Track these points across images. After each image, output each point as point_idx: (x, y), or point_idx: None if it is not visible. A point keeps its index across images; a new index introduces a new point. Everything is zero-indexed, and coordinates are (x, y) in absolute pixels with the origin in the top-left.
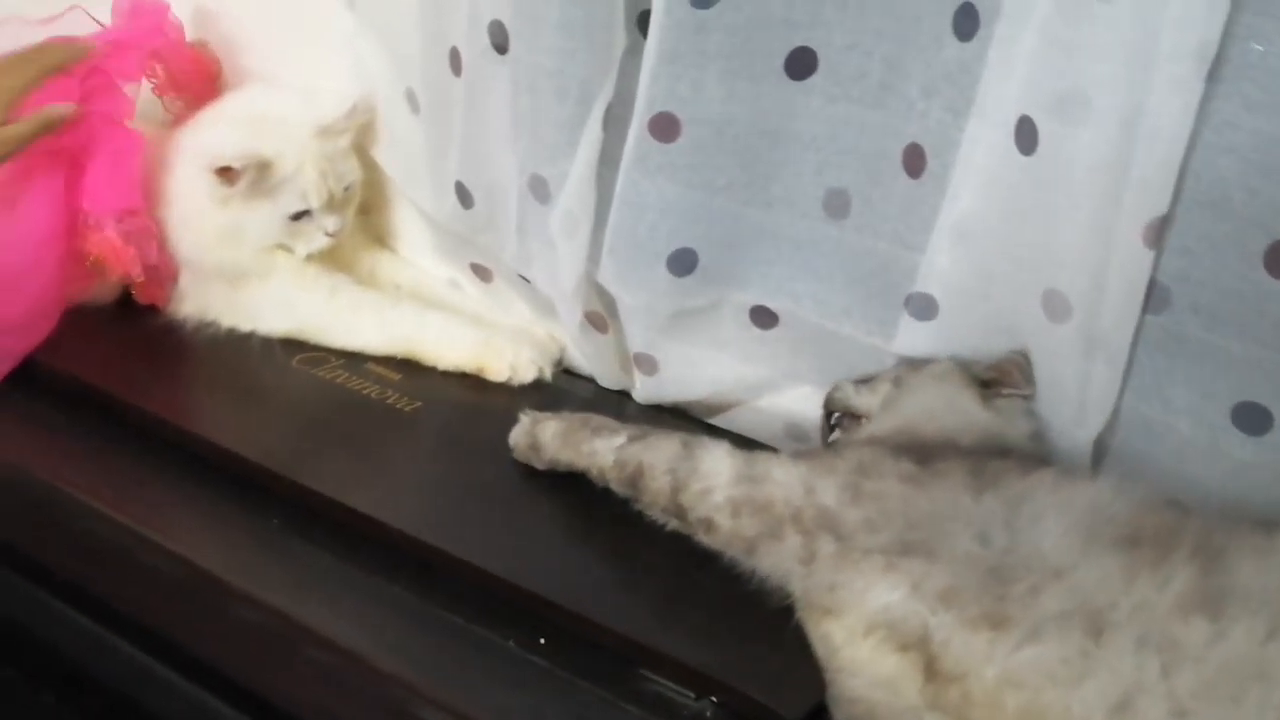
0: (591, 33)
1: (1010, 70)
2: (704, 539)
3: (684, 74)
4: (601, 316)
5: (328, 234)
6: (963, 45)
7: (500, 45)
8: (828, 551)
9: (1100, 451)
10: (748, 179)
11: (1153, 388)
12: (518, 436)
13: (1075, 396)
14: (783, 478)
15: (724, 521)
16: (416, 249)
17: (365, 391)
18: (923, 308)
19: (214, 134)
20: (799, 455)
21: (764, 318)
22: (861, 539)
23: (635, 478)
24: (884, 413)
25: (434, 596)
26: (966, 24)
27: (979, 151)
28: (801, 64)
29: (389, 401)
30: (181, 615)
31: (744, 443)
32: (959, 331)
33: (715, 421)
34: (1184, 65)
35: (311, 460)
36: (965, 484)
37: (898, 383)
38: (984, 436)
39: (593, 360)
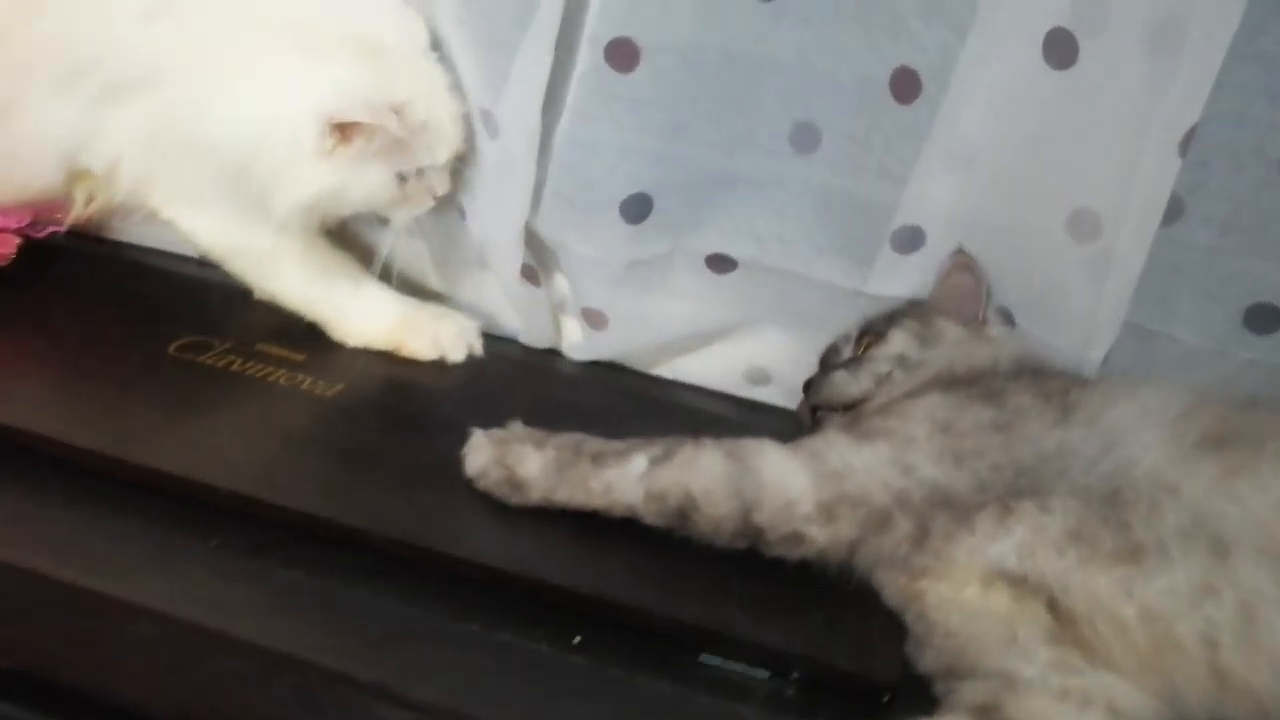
0: None
1: None
2: (787, 552)
3: None
4: (534, 270)
5: (436, 197)
6: None
7: None
8: (942, 525)
9: (1103, 364)
10: (711, 115)
11: (1156, 299)
12: (483, 465)
13: (1087, 318)
14: (867, 463)
15: (817, 531)
16: None
17: (273, 378)
18: (907, 240)
19: (316, 70)
20: (852, 432)
21: (721, 264)
22: (975, 500)
23: (685, 510)
24: (908, 373)
25: (437, 605)
26: None
27: (992, 70)
28: None
29: (304, 388)
30: (131, 670)
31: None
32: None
33: (661, 371)
34: None
35: (244, 466)
36: (1046, 414)
37: (902, 362)
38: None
39: (525, 317)
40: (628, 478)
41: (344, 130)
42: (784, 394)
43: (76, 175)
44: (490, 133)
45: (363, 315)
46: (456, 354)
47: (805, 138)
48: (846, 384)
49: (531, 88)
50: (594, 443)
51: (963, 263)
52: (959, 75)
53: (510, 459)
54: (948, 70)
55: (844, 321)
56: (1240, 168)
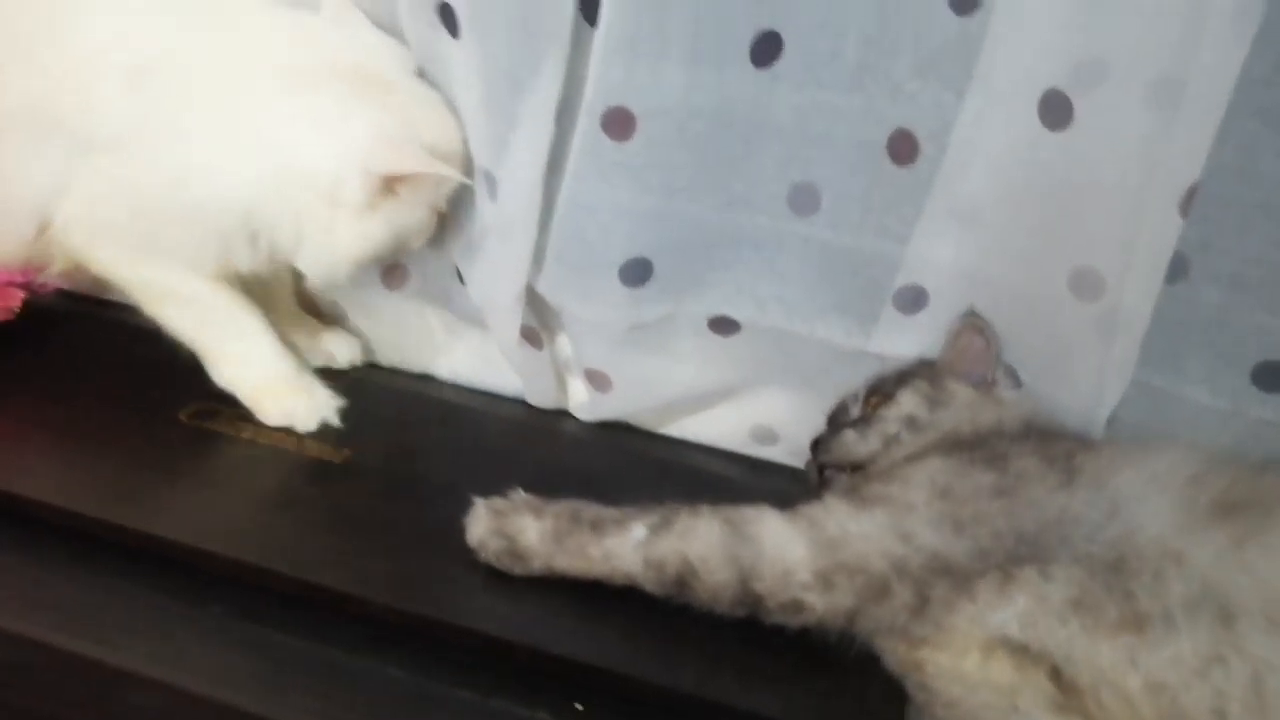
0: (539, 15)
1: (1024, 42)
2: (786, 620)
3: (641, 60)
4: (535, 331)
5: (441, 212)
6: (962, 19)
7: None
8: (941, 593)
9: (1111, 424)
10: (707, 178)
11: (1166, 357)
12: (483, 536)
13: (1094, 375)
14: (865, 531)
15: (815, 600)
16: None
17: (282, 445)
18: (911, 300)
19: (340, 116)
20: (851, 499)
21: (724, 326)
22: (976, 567)
23: (684, 578)
24: (916, 434)
25: (439, 672)
26: None
27: (990, 130)
28: (767, 49)
29: (312, 454)
30: None
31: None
32: (948, 321)
33: (668, 430)
34: (1229, 27)
35: (249, 533)
36: (1049, 479)
37: (911, 423)
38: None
39: (527, 378)
40: (627, 546)
41: (389, 182)
42: (791, 453)
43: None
44: (491, 194)
45: (237, 363)
46: (307, 425)
47: (804, 199)
48: (855, 444)
49: (534, 154)
50: (592, 510)
51: (974, 324)
52: (957, 135)
53: (510, 529)
54: (946, 131)
55: (849, 380)
56: (1246, 225)
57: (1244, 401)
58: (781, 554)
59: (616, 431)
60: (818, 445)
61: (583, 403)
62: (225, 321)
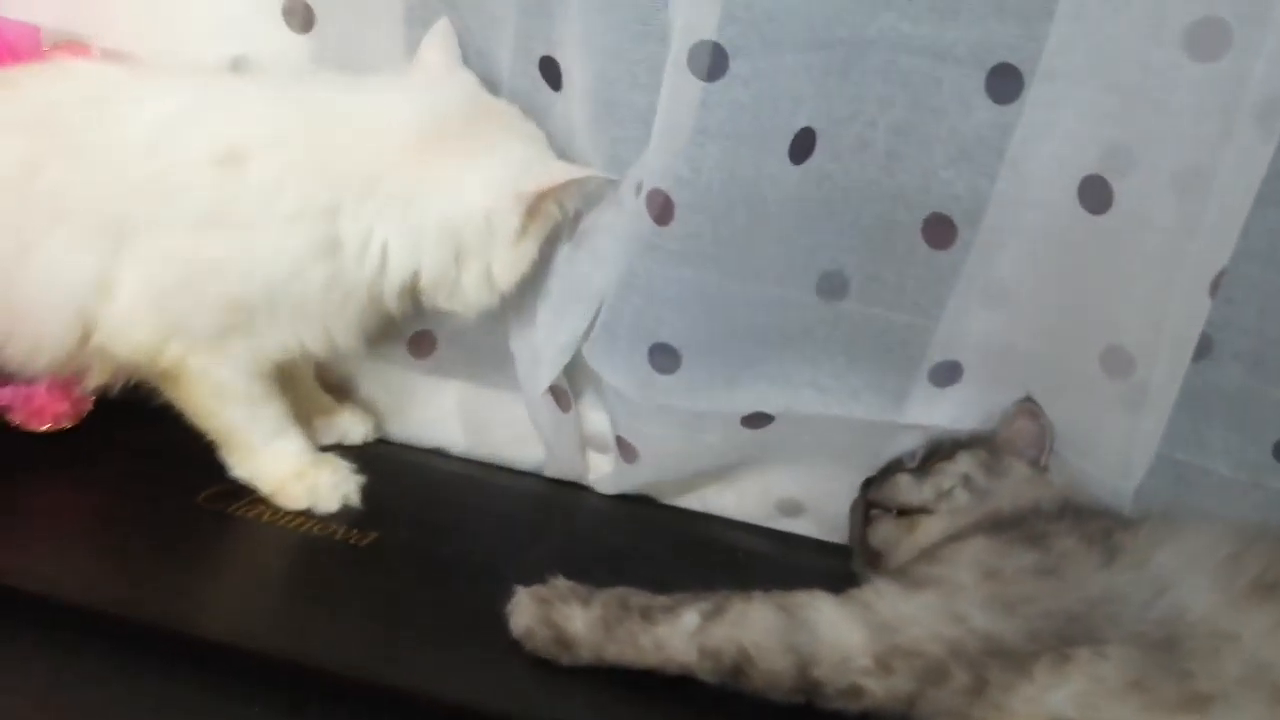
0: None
1: (1061, 129)
2: (845, 706)
3: (682, 151)
4: (566, 393)
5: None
6: (1000, 108)
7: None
8: (998, 675)
9: (1137, 496)
10: (739, 269)
11: (1189, 433)
12: (529, 626)
13: (1122, 449)
14: (918, 614)
15: (874, 685)
16: None
17: (305, 528)
18: (945, 374)
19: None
20: (900, 580)
21: (757, 420)
22: (1029, 648)
23: (740, 666)
24: (971, 496)
25: None
26: (1004, 86)
27: (1028, 212)
28: (804, 145)
29: (338, 537)
30: None
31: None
32: (985, 394)
33: (689, 501)
34: (1260, 123)
35: (281, 627)
36: (1091, 558)
37: (967, 482)
38: (1038, 502)
39: (551, 443)
40: (679, 634)
41: (539, 200)
42: (817, 525)
43: (91, 336)
44: (567, 235)
45: (266, 458)
46: (329, 506)
47: (832, 285)
48: (910, 488)
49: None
50: (641, 597)
51: (1028, 409)
52: (991, 218)
53: (556, 617)
54: (981, 212)
55: (879, 452)
56: (1268, 307)
57: (1265, 474)
58: (839, 639)
59: (637, 505)
60: (870, 483)
61: (604, 475)
62: (264, 417)
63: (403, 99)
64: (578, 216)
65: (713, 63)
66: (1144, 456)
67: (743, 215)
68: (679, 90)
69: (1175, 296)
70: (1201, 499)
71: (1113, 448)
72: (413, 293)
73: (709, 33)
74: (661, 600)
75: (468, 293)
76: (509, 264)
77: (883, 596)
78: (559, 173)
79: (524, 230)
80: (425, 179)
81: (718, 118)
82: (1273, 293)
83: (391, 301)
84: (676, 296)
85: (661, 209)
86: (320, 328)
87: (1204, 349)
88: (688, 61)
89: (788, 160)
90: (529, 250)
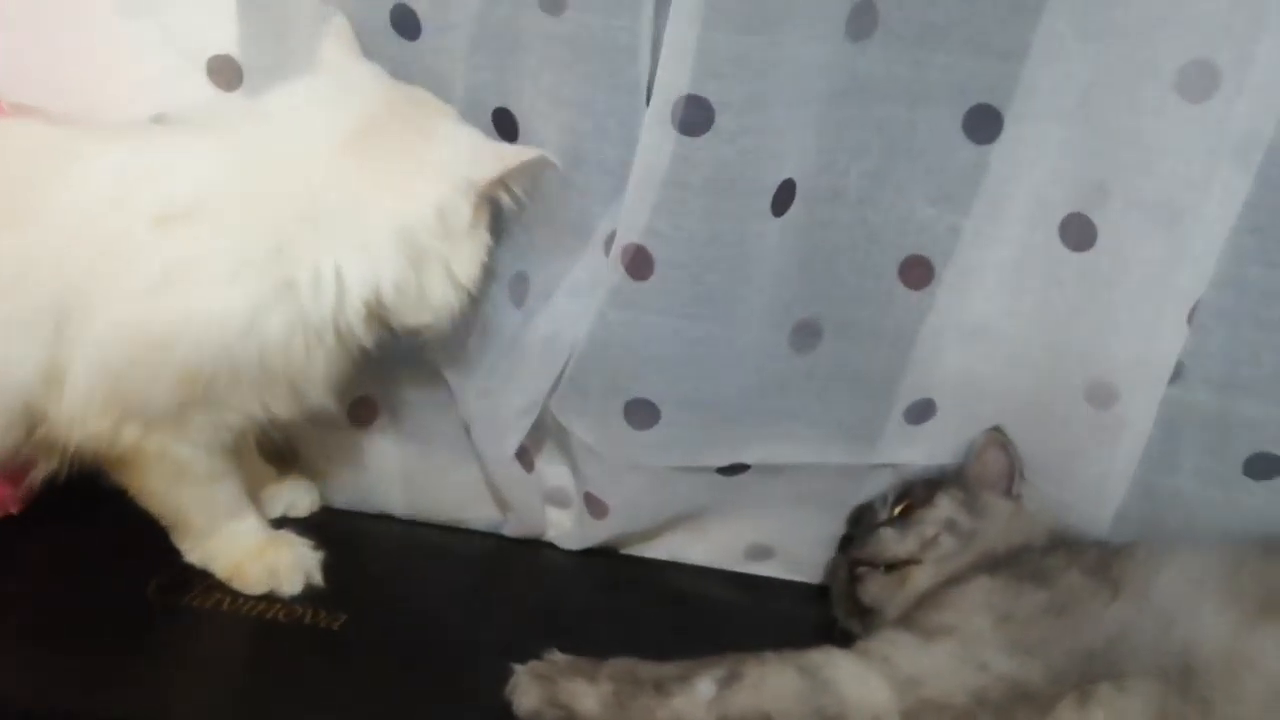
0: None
1: (1043, 167)
2: None
3: (662, 205)
4: (528, 452)
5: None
6: (979, 148)
7: None
8: (1024, 718)
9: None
10: (718, 323)
11: (1160, 455)
12: (535, 707)
13: (1100, 477)
14: (939, 665)
15: None
16: None
17: (269, 614)
18: (919, 412)
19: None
20: (913, 630)
21: (733, 469)
22: (1052, 689)
23: None
24: (957, 540)
25: None
26: (983, 126)
27: (1006, 249)
28: (785, 197)
29: (306, 621)
30: None
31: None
32: (959, 429)
33: (655, 551)
34: (1239, 157)
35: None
36: (1100, 593)
37: (951, 526)
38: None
39: (515, 503)
40: (697, 705)
41: (490, 188)
42: (785, 567)
43: (39, 428)
44: (516, 301)
45: (222, 539)
46: (293, 587)
47: (806, 335)
48: (893, 542)
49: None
50: (650, 668)
51: (997, 439)
52: (969, 257)
53: (563, 697)
54: (958, 252)
55: (850, 495)
56: (1236, 331)
57: (1235, 490)
58: (864, 698)
59: (599, 558)
60: (849, 543)
61: (566, 531)
62: (222, 497)
63: (317, 108)
64: (524, 279)
65: (697, 118)
66: (1120, 484)
67: (724, 269)
68: (658, 144)
69: (1157, 328)
70: (1173, 517)
71: (1091, 477)
72: (379, 317)
73: (693, 87)
74: (671, 670)
75: (434, 297)
76: (468, 257)
77: (899, 649)
78: (510, 156)
79: (477, 219)
80: (364, 186)
81: (702, 173)
82: (1240, 317)
83: (359, 331)
84: (656, 352)
85: (637, 262)
86: (285, 386)
87: (1175, 373)
88: (670, 116)
89: (769, 213)
90: (483, 238)
